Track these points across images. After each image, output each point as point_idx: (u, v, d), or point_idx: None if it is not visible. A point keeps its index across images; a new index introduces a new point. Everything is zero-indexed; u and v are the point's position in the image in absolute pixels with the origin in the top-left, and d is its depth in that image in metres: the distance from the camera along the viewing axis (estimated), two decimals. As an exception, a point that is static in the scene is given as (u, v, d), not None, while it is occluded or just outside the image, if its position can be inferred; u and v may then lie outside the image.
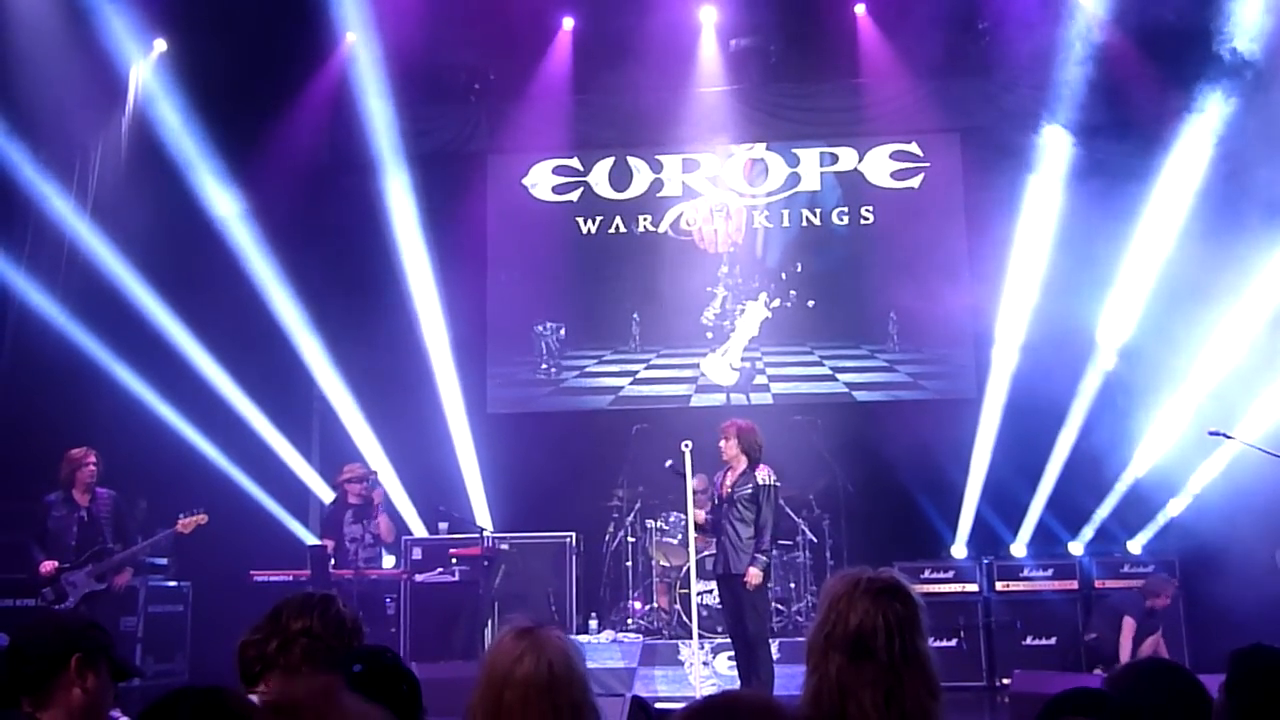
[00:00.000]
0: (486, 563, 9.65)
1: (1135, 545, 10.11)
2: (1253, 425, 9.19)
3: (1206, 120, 9.85)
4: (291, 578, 9.20)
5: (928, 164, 11.91)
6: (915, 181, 11.93)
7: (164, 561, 10.00)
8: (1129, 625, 8.77)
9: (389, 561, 10.12)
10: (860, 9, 11.47)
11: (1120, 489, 10.20)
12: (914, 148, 11.95)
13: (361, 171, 11.06)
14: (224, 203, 10.48)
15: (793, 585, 9.85)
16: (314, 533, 10.43)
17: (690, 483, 8.16)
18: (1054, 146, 10.54)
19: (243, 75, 10.41)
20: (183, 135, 10.36)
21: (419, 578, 9.71)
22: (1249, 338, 9.75)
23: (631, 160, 12.22)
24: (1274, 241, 9.53)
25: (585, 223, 12.21)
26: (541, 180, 12.29)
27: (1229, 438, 8.38)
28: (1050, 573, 9.69)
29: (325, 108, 11.21)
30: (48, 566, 7.89)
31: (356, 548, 9.25)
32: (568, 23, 11.66)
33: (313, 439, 11.47)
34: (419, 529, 10.69)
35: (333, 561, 9.19)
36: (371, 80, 10.84)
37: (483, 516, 10.87)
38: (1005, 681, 9.00)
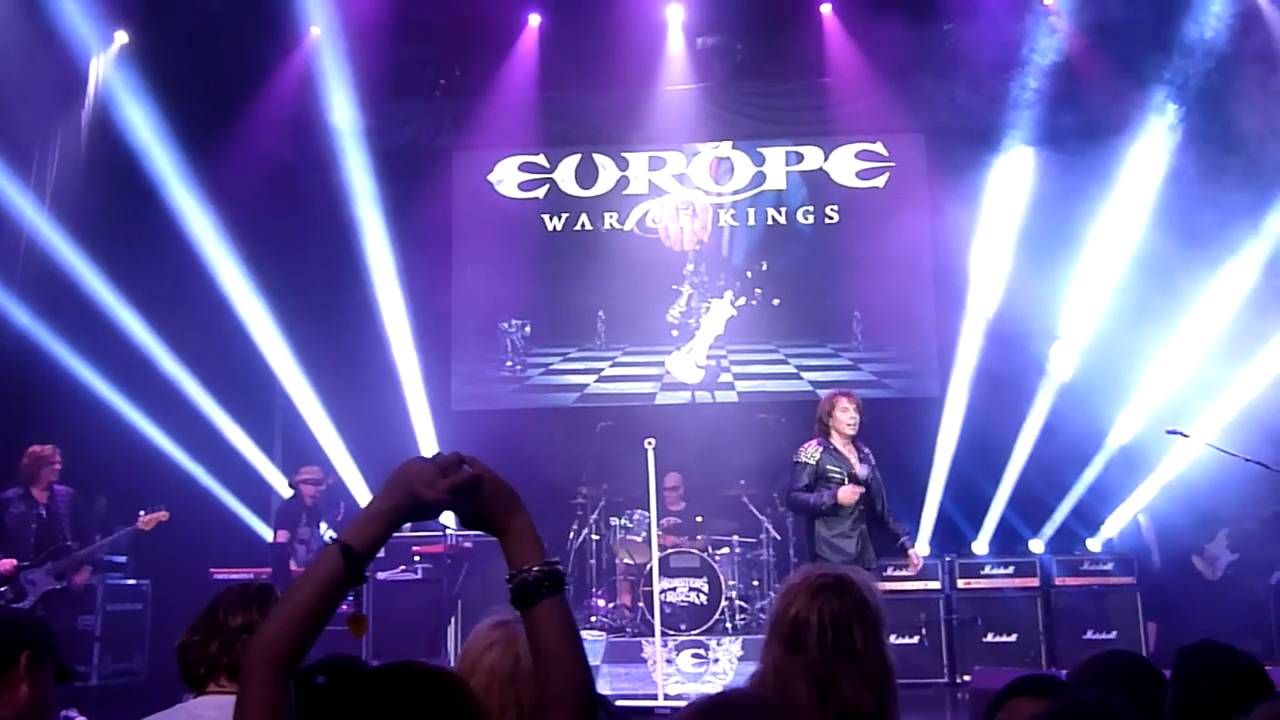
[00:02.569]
0: (450, 561, 9.63)
1: (1095, 543, 10.22)
2: (1211, 423, 9.32)
3: (1169, 118, 9.97)
4: (253, 575, 9.16)
5: (893, 163, 11.97)
6: (880, 181, 11.99)
7: (123, 559, 9.91)
8: None
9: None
10: (826, 8, 11.50)
11: (1081, 487, 10.31)
12: (879, 147, 12.00)
13: (325, 167, 10.98)
14: (186, 197, 10.38)
15: (755, 583, 9.89)
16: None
17: (653, 481, 8.15)
18: (1018, 146, 10.61)
19: (205, 69, 10.32)
20: (144, 129, 10.23)
21: (381, 575, 9.68)
22: (1210, 336, 9.87)
23: (598, 157, 12.21)
24: (1236, 239, 9.66)
25: (551, 220, 12.20)
26: (507, 177, 12.26)
27: (1186, 436, 8.47)
28: (1011, 570, 9.78)
29: (289, 102, 11.12)
30: (6, 565, 7.79)
31: (305, 550, 9.25)
32: (534, 19, 11.63)
33: (275, 436, 11.40)
34: (382, 526, 10.61)
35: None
36: (336, 75, 10.78)
37: (447, 514, 10.81)
38: (966, 678, 9.07)
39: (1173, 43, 9.80)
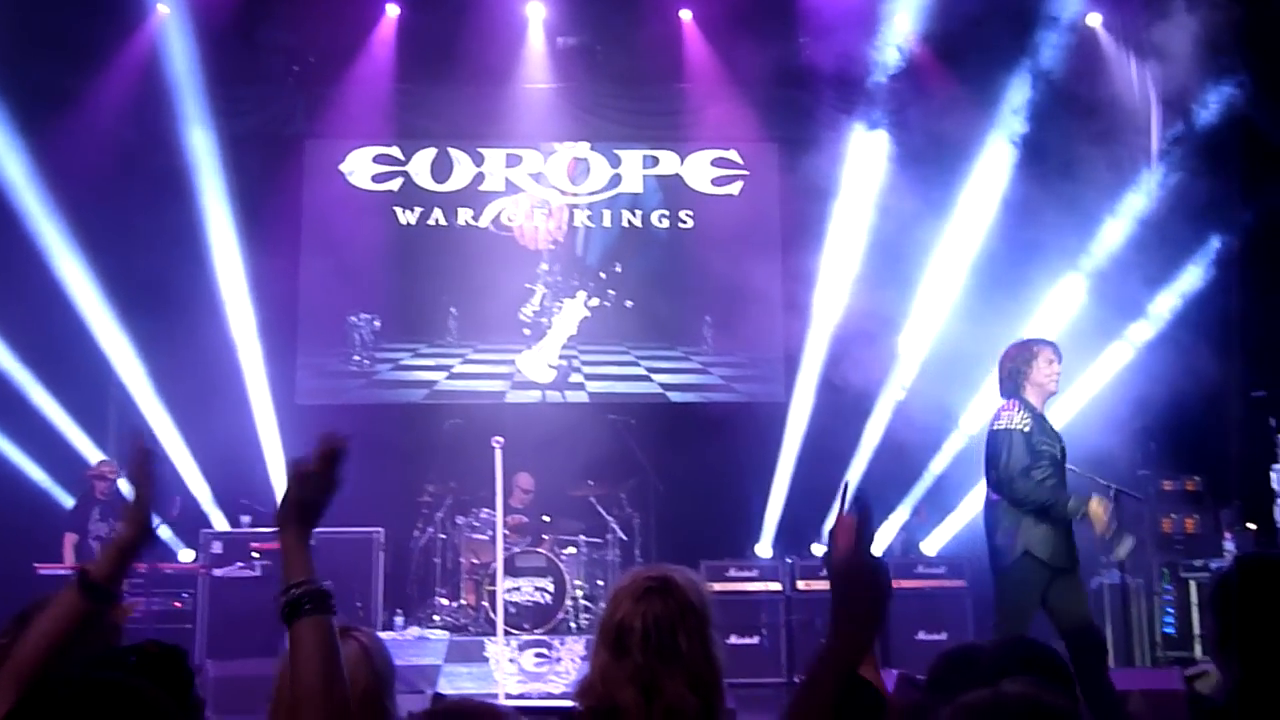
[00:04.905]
0: (290, 557, 9.43)
1: (929, 546, 10.56)
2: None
3: (1009, 135, 10.38)
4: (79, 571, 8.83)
5: (747, 172, 12.17)
6: (734, 188, 12.18)
7: (-60, 553, 9.46)
8: None
9: (187, 555, 9.84)
10: (686, 15, 11.63)
11: (917, 492, 10.64)
12: (734, 155, 12.19)
13: (170, 149, 10.61)
14: (18, 174, 9.90)
15: (601, 583, 9.93)
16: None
17: (500, 479, 8.11)
18: (867, 158, 10.89)
19: (42, 42, 9.87)
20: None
21: (218, 572, 9.44)
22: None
23: (453, 152, 12.10)
24: (1071, 252, 10.12)
25: (404, 213, 12.04)
26: (360, 168, 12.05)
27: (1016, 445, 8.79)
28: (850, 572, 10.02)
29: (132, 80, 10.70)
30: None
31: (100, 546, 9.03)
32: (392, 10, 11.46)
33: (108, 427, 10.98)
34: (220, 522, 10.37)
35: (73, 558, 9.01)
36: (182, 55, 10.43)
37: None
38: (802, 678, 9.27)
39: (1013, 62, 10.21)
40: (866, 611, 1.90)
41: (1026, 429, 5.71)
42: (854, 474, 10.75)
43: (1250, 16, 8.73)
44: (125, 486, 2.13)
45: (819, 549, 10.54)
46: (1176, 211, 9.81)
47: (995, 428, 5.81)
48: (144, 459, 2.21)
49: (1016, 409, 5.80)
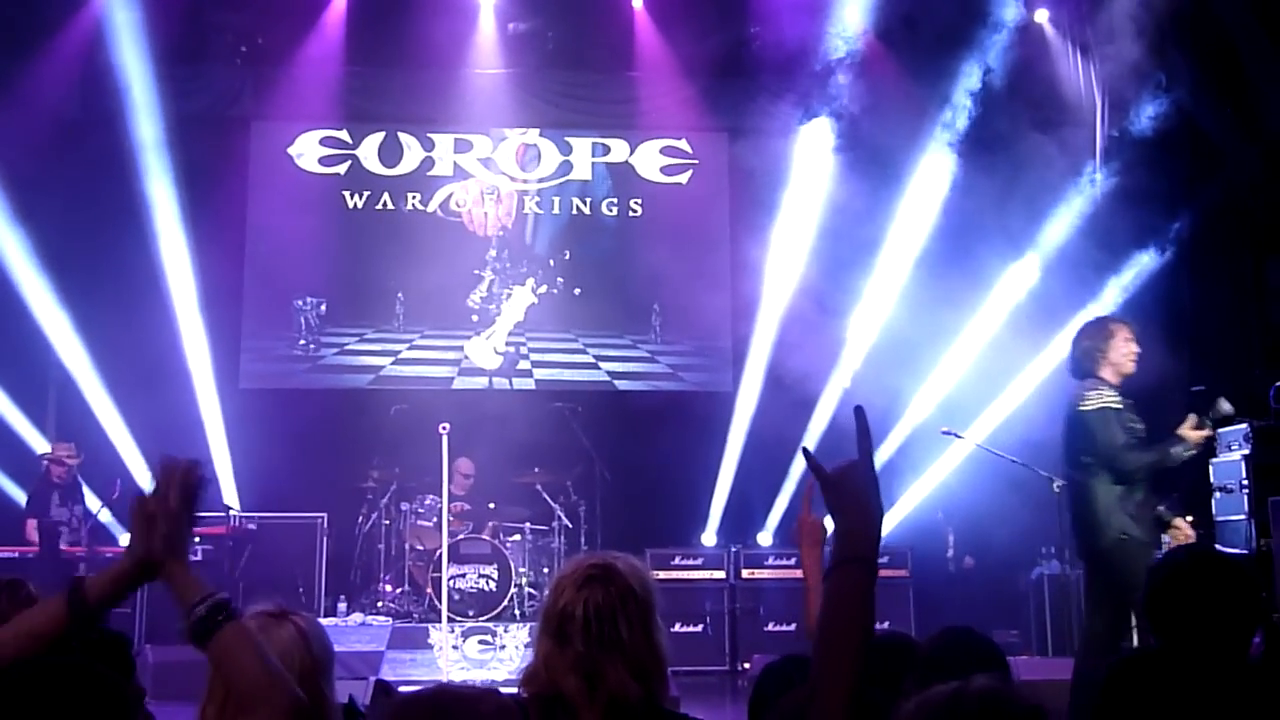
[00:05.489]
0: (232, 543, 9.36)
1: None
2: (984, 426, 9.85)
3: (955, 127, 10.48)
4: (18, 554, 8.75)
5: (696, 161, 12.19)
6: (684, 178, 12.20)
7: None
8: None
9: (126, 539, 9.71)
10: (638, 3, 11.62)
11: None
12: (684, 144, 12.20)
13: (114, 128, 10.44)
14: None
15: (546, 570, 9.94)
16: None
17: (446, 466, 8.10)
18: (816, 149, 10.95)
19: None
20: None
21: (158, 557, 9.32)
22: (986, 340, 10.41)
23: (403, 136, 12.02)
24: (1013, 248, 10.24)
25: (352, 197, 11.94)
26: (308, 151, 11.93)
27: (959, 437, 8.93)
28: (793, 561, 10.09)
29: (76, 56, 10.52)
30: None
31: (68, 530, 8.94)
32: (342, -9, 11.36)
33: (48, 409, 10.82)
34: (161, 506, 10.22)
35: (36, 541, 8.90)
36: (129, 32, 10.27)
37: (230, 495, 10.49)
38: (746, 665, 9.34)
39: (962, 55, 10.31)
40: (862, 505, 2.02)
41: (1119, 406, 5.63)
42: (798, 463, 10.83)
43: (1193, 16, 8.87)
44: (145, 510, 2.04)
45: (765, 538, 10.62)
46: (1120, 206, 9.95)
47: (1084, 408, 5.67)
48: (190, 488, 2.14)
49: (1102, 388, 5.69)
